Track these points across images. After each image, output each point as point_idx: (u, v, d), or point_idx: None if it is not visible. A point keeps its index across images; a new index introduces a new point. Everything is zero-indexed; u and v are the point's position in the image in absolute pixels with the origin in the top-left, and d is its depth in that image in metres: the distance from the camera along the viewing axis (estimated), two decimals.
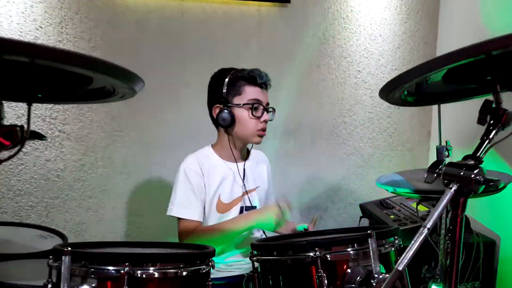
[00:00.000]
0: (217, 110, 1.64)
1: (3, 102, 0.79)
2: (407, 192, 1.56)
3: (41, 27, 2.15)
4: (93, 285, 0.84)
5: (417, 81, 0.88)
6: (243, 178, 1.72)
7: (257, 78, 1.63)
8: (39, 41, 2.14)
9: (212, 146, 1.77)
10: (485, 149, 0.85)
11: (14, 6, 2.10)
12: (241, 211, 1.71)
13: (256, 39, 2.49)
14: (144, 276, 0.89)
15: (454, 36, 2.72)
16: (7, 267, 1.19)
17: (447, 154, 1.22)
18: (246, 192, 1.72)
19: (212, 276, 1.55)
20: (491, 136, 0.85)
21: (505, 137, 0.88)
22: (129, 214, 2.36)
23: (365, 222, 2.34)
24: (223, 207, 1.67)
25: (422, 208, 1.99)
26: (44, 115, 2.18)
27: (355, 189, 2.82)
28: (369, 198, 2.58)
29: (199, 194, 1.63)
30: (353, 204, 2.72)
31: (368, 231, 0.95)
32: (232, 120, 1.62)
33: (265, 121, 1.67)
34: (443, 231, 0.89)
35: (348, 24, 2.68)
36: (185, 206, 1.60)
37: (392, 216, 1.92)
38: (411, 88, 1.01)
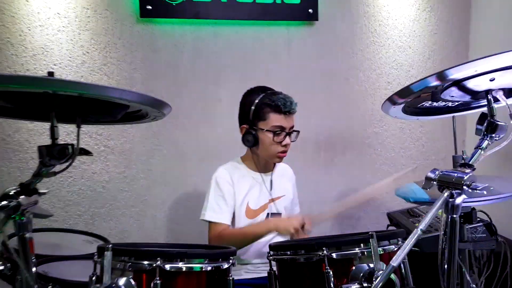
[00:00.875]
0: (243, 131, 1.79)
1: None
2: (422, 202, 1.61)
3: (88, 52, 2.36)
4: (130, 277, 0.98)
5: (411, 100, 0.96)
6: (270, 187, 1.85)
7: (281, 107, 1.74)
8: (86, 65, 2.36)
9: (241, 158, 1.92)
10: (477, 158, 0.92)
11: (64, 34, 2.33)
12: (267, 217, 1.84)
13: (286, 56, 2.61)
14: (173, 269, 1.02)
15: (485, 45, 2.73)
16: (59, 267, 1.36)
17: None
18: (272, 200, 1.86)
19: (240, 277, 1.69)
20: (483, 146, 0.93)
21: (498, 147, 0.95)
22: (168, 222, 2.52)
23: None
24: (251, 213, 1.81)
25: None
26: (90, 132, 2.39)
27: (388, 199, 2.83)
28: (401, 208, 2.61)
29: (229, 200, 1.78)
30: (385, 214, 2.75)
31: (369, 233, 1.04)
32: (256, 141, 1.76)
33: (286, 145, 1.79)
34: (442, 233, 0.96)
35: (377, 37, 2.74)
36: (215, 211, 1.76)
37: (417, 224, 1.95)
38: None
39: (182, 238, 2.52)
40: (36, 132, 2.35)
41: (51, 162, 0.90)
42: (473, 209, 1.40)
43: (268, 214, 1.85)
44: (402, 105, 1.10)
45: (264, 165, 1.88)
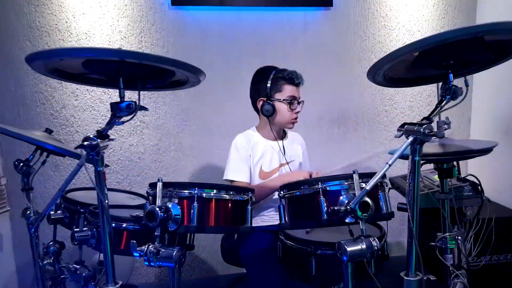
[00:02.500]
0: (261, 103, 2.04)
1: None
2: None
3: (125, 37, 2.65)
4: (176, 201, 1.28)
5: (391, 64, 1.20)
6: (282, 153, 2.11)
7: (294, 79, 2.03)
8: (123, 49, 2.64)
9: (256, 127, 2.19)
10: (436, 113, 1.17)
11: (104, 21, 2.62)
12: None
13: (302, 39, 2.84)
14: (207, 197, 1.32)
15: None
16: (111, 212, 1.66)
17: (446, 127, 1.54)
18: (283, 164, 2.12)
19: (257, 224, 1.98)
20: (442, 104, 1.18)
21: (452, 105, 1.21)
22: None
23: (392, 193, 2.61)
24: (264, 175, 2.08)
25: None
26: None
27: (396, 170, 3.05)
28: (402, 173, 2.82)
29: (246, 161, 2.06)
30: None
31: (353, 170, 1.31)
32: (273, 110, 2.03)
33: (297, 112, 2.07)
34: (409, 175, 1.21)
35: (388, 22, 2.95)
36: (235, 171, 2.04)
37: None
38: (390, 72, 1.33)
39: None
40: (80, 109, 2.65)
41: (119, 114, 1.17)
42: (453, 165, 1.63)
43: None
44: (382, 74, 1.34)
45: (277, 133, 2.14)
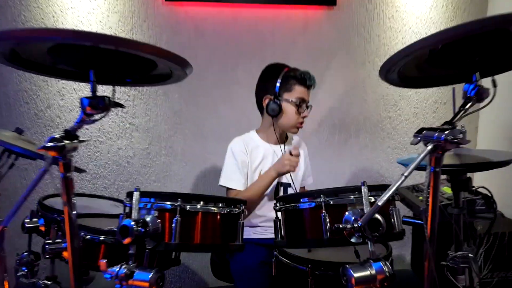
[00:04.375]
0: (267, 101, 1.89)
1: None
2: (422, 168, 1.70)
3: (115, 33, 2.49)
4: (155, 214, 1.12)
5: (408, 60, 1.04)
6: None
7: (307, 81, 1.89)
8: None
9: (256, 130, 2.03)
10: (459, 117, 1.02)
11: (94, 16, 2.46)
12: (277, 187, 1.94)
13: (303, 39, 2.69)
14: (191, 210, 1.15)
15: None
16: (90, 222, 1.50)
17: (462, 136, 1.37)
18: None
19: (249, 237, 1.81)
20: (466, 107, 1.02)
21: (479, 108, 1.05)
22: None
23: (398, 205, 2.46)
24: None
25: (448, 190, 2.08)
26: (116, 110, 2.53)
27: (396, 176, 2.91)
28: (407, 184, 2.67)
29: (243, 168, 1.90)
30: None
31: (362, 181, 1.14)
32: (280, 111, 1.87)
33: (304, 117, 1.92)
34: (425, 186, 1.05)
35: (394, 23, 2.80)
36: (231, 178, 1.89)
37: (420, 198, 2.05)
38: (405, 69, 1.17)
39: None
40: (66, 109, 2.49)
41: (89, 112, 1.02)
42: (469, 178, 1.48)
43: (278, 183, 1.95)
44: (396, 71, 1.17)
45: (279, 137, 1.98)
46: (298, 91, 1.89)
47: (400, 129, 2.90)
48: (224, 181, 1.91)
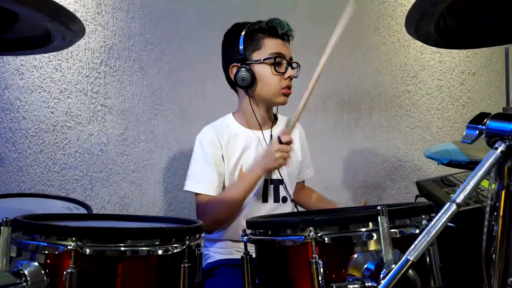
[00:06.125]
0: (235, 70, 1.53)
1: None
2: (458, 164, 1.31)
3: None
4: (40, 262, 0.74)
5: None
6: None
7: (277, 28, 1.50)
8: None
9: (233, 114, 1.66)
10: None
11: None
12: (266, 184, 1.57)
13: (305, 1, 2.33)
14: (96, 254, 0.76)
15: None
16: None
17: None
18: None
19: (231, 256, 1.47)
20: None
21: None
22: (172, 189, 2.32)
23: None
24: None
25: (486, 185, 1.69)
26: (85, 90, 2.18)
27: (420, 166, 2.55)
28: (434, 175, 2.31)
29: (216, 166, 1.52)
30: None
31: (378, 207, 0.75)
32: (253, 79, 1.49)
33: (290, 78, 1.52)
34: (488, 209, 0.67)
35: None
36: (199, 180, 1.52)
37: (451, 195, 1.66)
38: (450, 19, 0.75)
39: (188, 207, 2.32)
40: (27, 90, 2.15)
41: None
42: None
43: (267, 180, 1.56)
44: (433, 22, 0.76)
45: (263, 119, 1.60)
46: (269, 45, 1.51)
47: (420, 105, 2.55)
48: (190, 184, 1.53)
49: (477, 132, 0.63)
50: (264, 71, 1.50)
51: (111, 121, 2.23)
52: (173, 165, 2.32)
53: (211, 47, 2.22)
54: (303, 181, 1.83)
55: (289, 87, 1.53)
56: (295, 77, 1.55)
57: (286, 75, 1.51)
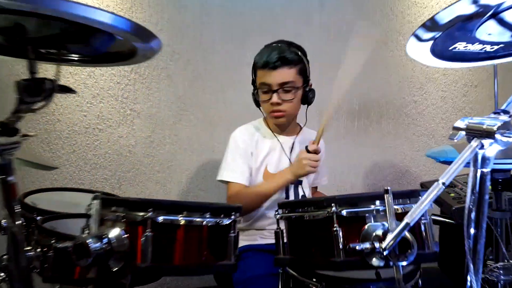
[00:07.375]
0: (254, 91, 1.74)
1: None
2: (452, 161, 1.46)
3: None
4: (122, 228, 0.90)
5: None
6: (291, 151, 1.74)
7: (268, 62, 1.60)
8: None
9: (264, 119, 1.82)
10: None
11: None
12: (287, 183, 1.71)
13: (318, 16, 2.47)
14: (166, 222, 0.92)
15: None
16: (68, 224, 1.33)
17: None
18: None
19: (255, 242, 1.62)
20: None
21: None
22: (194, 189, 2.47)
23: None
24: (269, 177, 1.70)
25: None
26: (116, 95, 2.34)
27: (426, 171, 2.69)
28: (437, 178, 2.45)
29: (247, 159, 1.69)
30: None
31: (385, 188, 0.92)
32: (256, 102, 1.73)
33: (276, 104, 1.64)
34: (470, 190, 0.82)
35: None
36: (232, 170, 1.68)
37: (452, 194, 1.82)
38: None
39: None
40: (63, 94, 2.31)
41: (28, 99, 0.82)
42: None
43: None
44: (431, 43, 0.93)
45: (287, 127, 1.77)
46: (259, 75, 1.67)
47: (426, 115, 2.67)
48: (224, 174, 1.68)
49: (460, 133, 0.80)
50: (260, 97, 1.69)
51: (139, 124, 2.40)
52: (195, 167, 2.47)
53: (232, 57, 2.41)
54: (316, 186, 1.99)
55: (275, 111, 1.66)
56: (285, 100, 1.64)
57: (271, 101, 1.64)
